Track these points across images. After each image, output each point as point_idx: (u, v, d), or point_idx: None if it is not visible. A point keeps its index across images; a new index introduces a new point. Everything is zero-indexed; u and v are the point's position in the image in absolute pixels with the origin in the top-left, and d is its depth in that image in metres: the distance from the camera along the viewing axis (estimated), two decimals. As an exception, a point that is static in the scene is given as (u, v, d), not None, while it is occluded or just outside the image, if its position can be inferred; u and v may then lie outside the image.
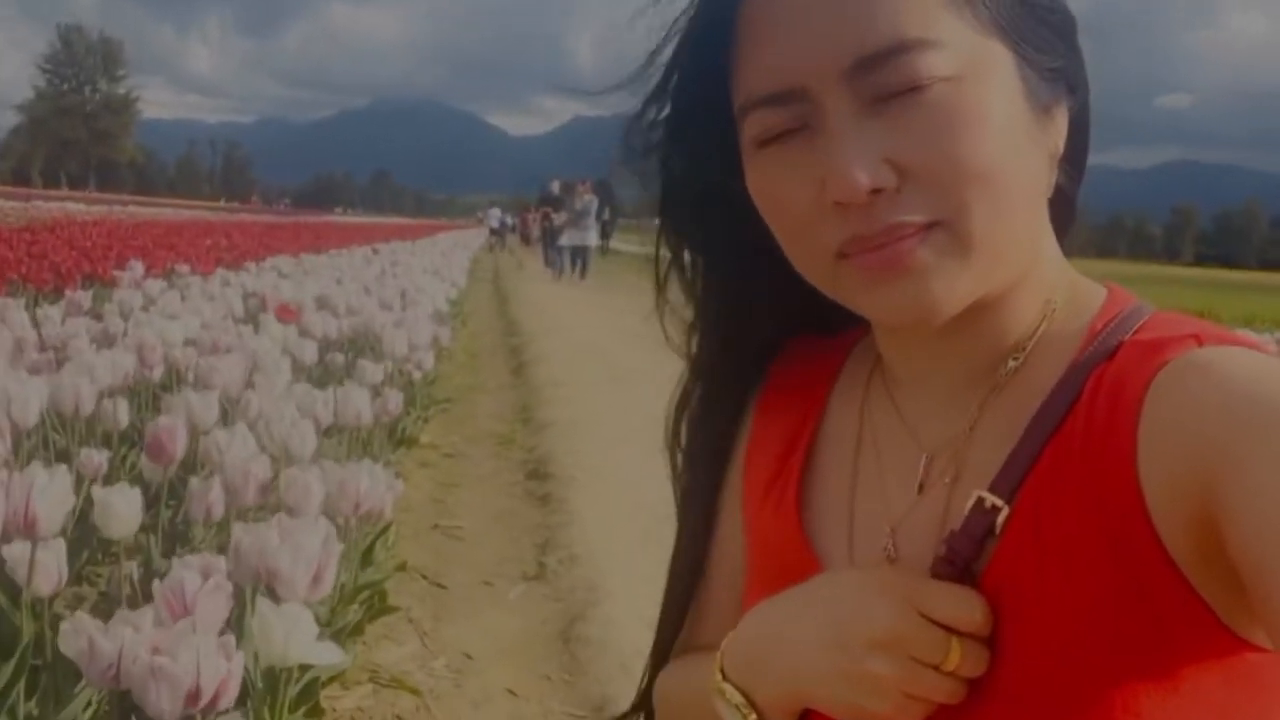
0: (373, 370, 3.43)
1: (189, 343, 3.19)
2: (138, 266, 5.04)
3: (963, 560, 0.52)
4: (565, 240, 17.02)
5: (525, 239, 31.82)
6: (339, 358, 3.95)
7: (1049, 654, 0.50)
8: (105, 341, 3.56)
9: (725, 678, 0.58)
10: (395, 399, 3.20)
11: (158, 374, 2.81)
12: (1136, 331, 0.53)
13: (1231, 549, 0.43)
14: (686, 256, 0.66)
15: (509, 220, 37.31)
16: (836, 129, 0.50)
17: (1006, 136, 0.50)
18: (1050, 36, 0.53)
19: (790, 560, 0.61)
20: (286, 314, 3.42)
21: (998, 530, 0.52)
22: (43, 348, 3.27)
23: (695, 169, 0.60)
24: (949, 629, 0.50)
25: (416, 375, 4.17)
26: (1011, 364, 0.56)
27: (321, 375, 3.62)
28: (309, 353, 3.40)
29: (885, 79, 0.49)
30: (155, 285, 4.90)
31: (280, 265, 7.91)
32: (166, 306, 4.02)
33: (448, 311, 6.90)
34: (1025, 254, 0.54)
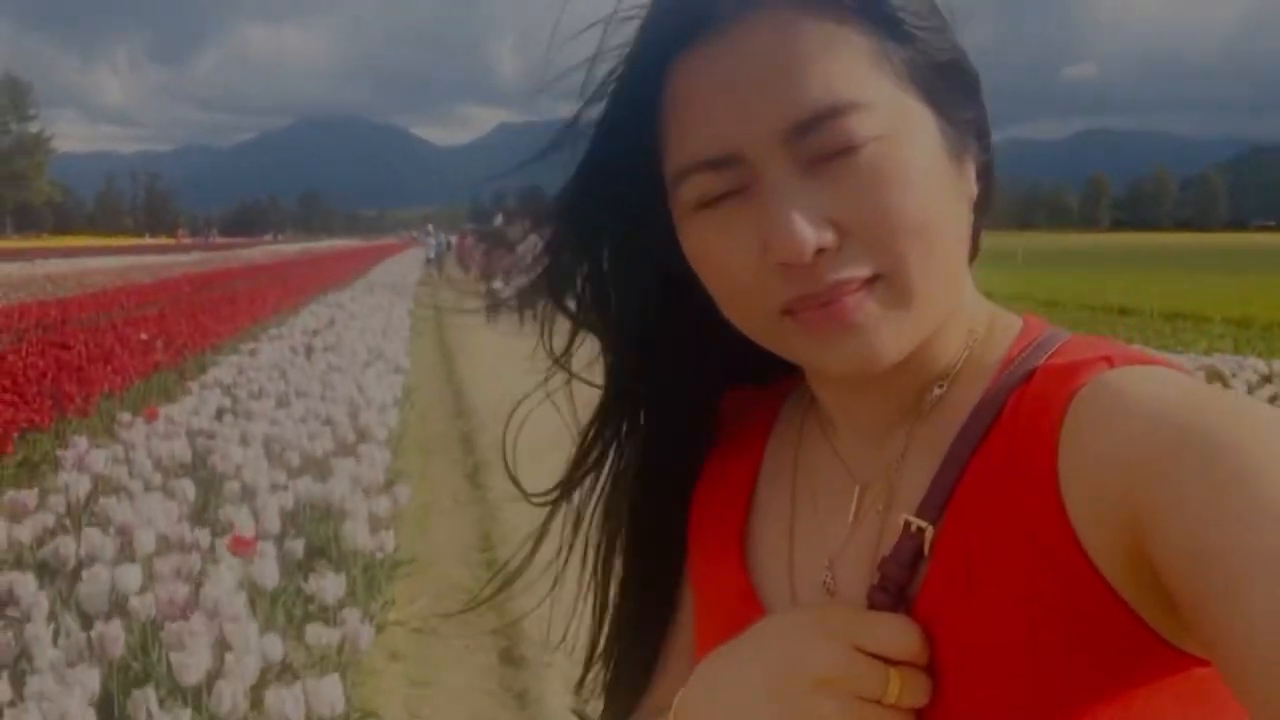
0: (333, 584, 3.36)
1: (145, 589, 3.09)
2: (81, 443, 4.85)
3: (896, 586, 0.53)
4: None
5: (464, 265, 30.92)
6: (297, 549, 3.85)
7: (990, 678, 0.50)
8: (57, 584, 3.43)
9: None
10: (366, 634, 3.13)
11: (118, 649, 2.70)
12: (1051, 356, 0.54)
13: (1159, 567, 0.44)
14: (612, 329, 0.65)
15: (447, 240, 36.33)
16: (776, 192, 0.51)
17: (934, 189, 0.53)
18: (959, 91, 0.56)
19: (735, 607, 0.62)
20: (243, 546, 3.31)
21: (926, 552, 0.53)
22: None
23: (623, 235, 0.61)
24: (887, 660, 0.51)
25: (380, 555, 4.08)
26: (936, 392, 0.58)
27: (278, 592, 3.52)
28: (270, 575, 3.31)
29: (820, 141, 0.51)
30: (99, 456, 4.73)
31: (221, 376, 7.70)
32: (111, 511, 3.87)
33: (397, 430, 6.77)
34: (955, 296, 0.57)
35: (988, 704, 0.50)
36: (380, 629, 3.96)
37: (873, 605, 0.54)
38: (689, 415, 0.69)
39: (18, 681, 2.58)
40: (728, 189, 0.53)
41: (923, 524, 0.53)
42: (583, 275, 0.64)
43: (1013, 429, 0.52)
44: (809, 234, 0.50)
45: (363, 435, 5.79)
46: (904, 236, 0.51)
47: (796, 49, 0.51)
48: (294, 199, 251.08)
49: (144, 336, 10.14)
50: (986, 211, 0.60)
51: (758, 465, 0.67)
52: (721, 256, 0.54)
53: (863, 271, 0.51)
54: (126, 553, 3.54)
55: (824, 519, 0.61)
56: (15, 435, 5.68)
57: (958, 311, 0.58)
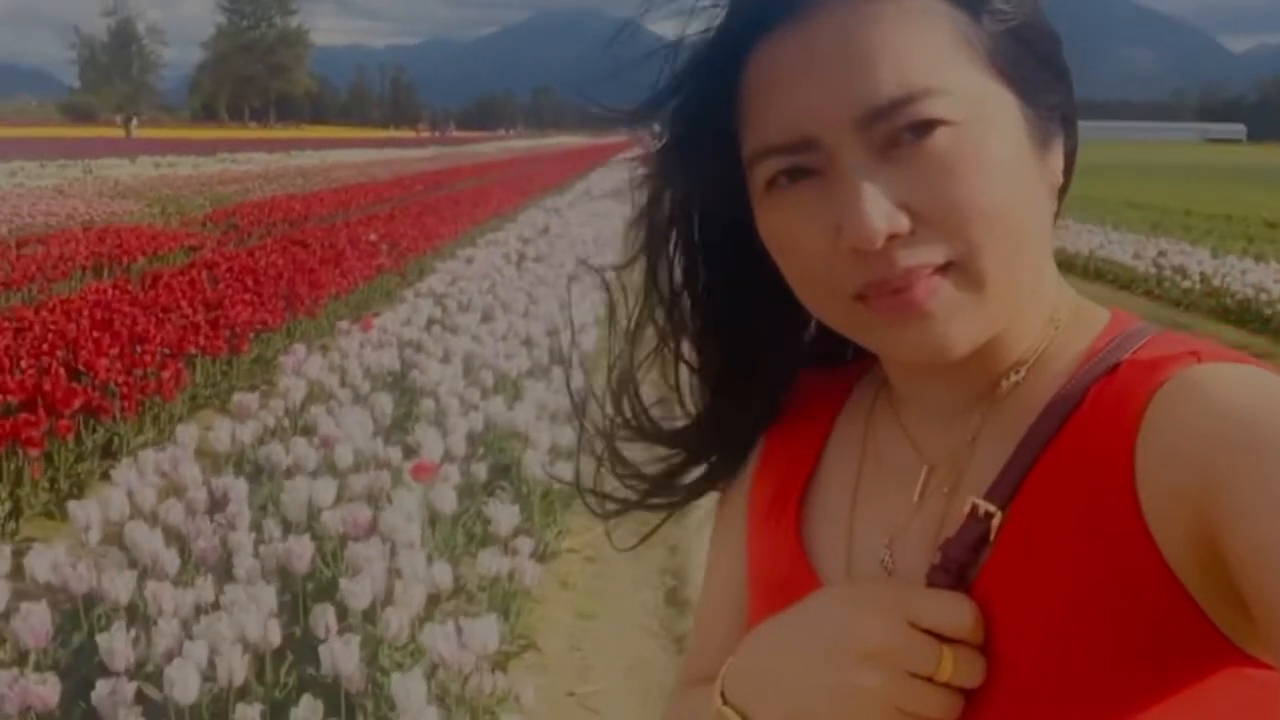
0: (508, 514, 3.53)
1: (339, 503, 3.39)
2: (299, 350, 5.32)
3: (957, 567, 0.54)
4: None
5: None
6: (481, 472, 4.08)
7: (1046, 664, 0.50)
8: (269, 488, 3.81)
9: (726, 702, 0.59)
10: (533, 570, 3.30)
11: (304, 565, 2.99)
12: (1137, 350, 0.54)
13: (1231, 567, 0.44)
14: (686, 296, 0.67)
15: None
16: (850, 177, 0.52)
17: (1012, 176, 0.53)
18: (1048, 75, 0.56)
19: (790, 579, 0.64)
20: (424, 472, 3.55)
21: (992, 537, 0.53)
22: (211, 503, 3.54)
23: (703, 211, 0.63)
24: (941, 638, 0.51)
25: (558, 486, 4.25)
26: (1014, 378, 0.58)
27: (458, 514, 3.75)
28: (448, 501, 3.53)
29: (895, 127, 0.51)
30: (315, 363, 5.18)
31: (435, 285, 8.15)
32: (319, 421, 4.24)
33: (594, 351, 6.93)
34: (1032, 285, 0.57)
35: (1041, 690, 0.50)
36: (553, 556, 4.17)
37: (931, 585, 0.54)
38: (757, 395, 0.70)
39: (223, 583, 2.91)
40: (802, 172, 0.54)
41: (991, 508, 0.53)
42: (674, 245, 0.65)
43: (1092, 420, 0.52)
44: (881, 220, 0.50)
45: (557, 357, 5.99)
46: (978, 224, 0.51)
47: (875, 33, 0.51)
48: (527, 94, 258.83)
49: (372, 238, 10.89)
50: (1065, 191, 0.60)
51: (823, 443, 0.68)
52: (795, 239, 0.55)
53: (936, 258, 0.52)
54: (327, 464, 3.89)
55: (887, 498, 0.62)
56: (250, 335, 6.29)
57: (1038, 299, 0.58)
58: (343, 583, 2.77)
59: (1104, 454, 0.50)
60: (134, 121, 66.31)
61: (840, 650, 0.52)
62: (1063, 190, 0.59)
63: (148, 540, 3.08)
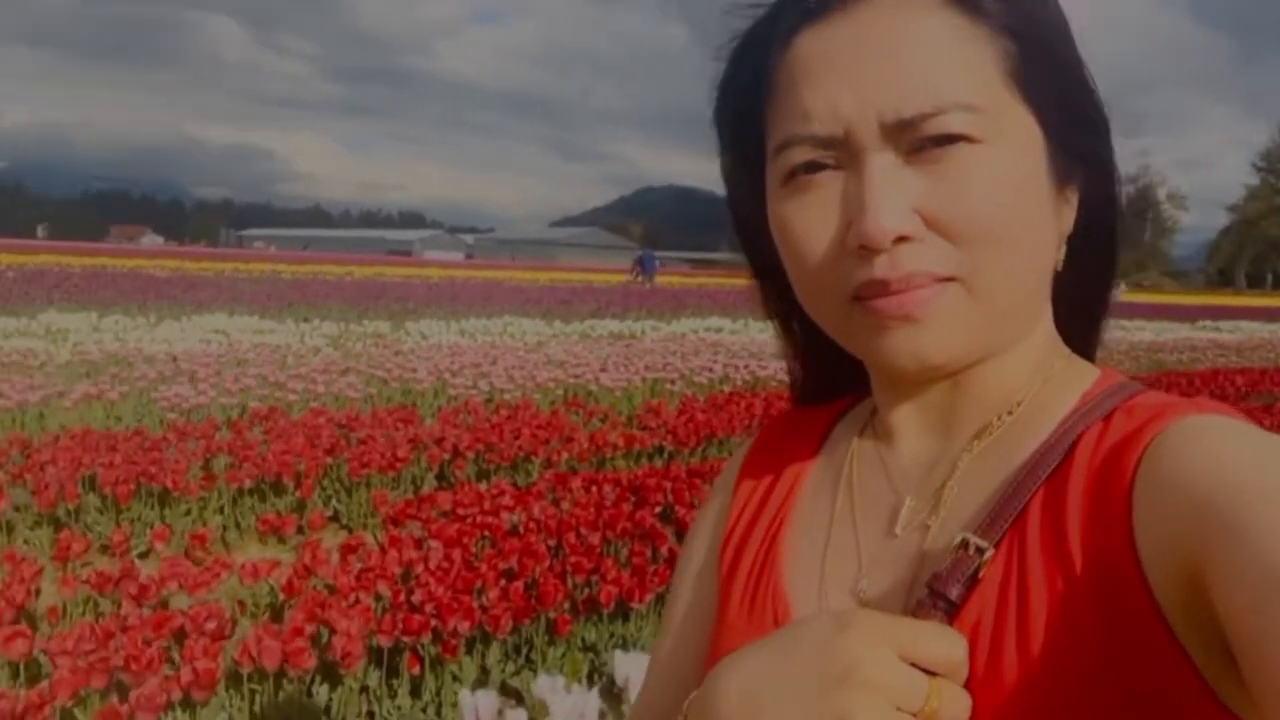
0: None
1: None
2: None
3: (945, 603, 0.58)
4: None
5: None
6: None
7: (1028, 705, 0.54)
8: None
9: None
10: None
11: None
12: (1129, 400, 0.61)
13: (1220, 615, 0.48)
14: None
15: None
16: (871, 176, 0.59)
17: (1027, 205, 0.60)
18: (1082, 123, 0.63)
19: (763, 610, 0.70)
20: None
21: (981, 574, 0.58)
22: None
23: (738, 198, 0.72)
24: (927, 671, 0.53)
25: None
26: (1005, 419, 0.65)
27: None
28: None
29: (923, 135, 0.58)
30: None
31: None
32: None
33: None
34: (1027, 319, 0.64)
35: None
36: None
37: (916, 618, 0.58)
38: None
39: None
40: (822, 167, 0.61)
41: (983, 544, 0.58)
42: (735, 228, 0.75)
43: (1088, 464, 0.57)
44: (892, 219, 0.57)
45: None
46: (986, 243, 0.58)
47: (917, 40, 0.59)
48: None
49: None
50: (1111, 261, 0.69)
51: (803, 476, 0.75)
52: (805, 231, 0.62)
53: (939, 268, 0.58)
54: None
55: (863, 531, 0.68)
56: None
57: (1029, 341, 0.65)
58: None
59: (1101, 500, 0.55)
60: (1120, 285, 68.94)
61: (823, 682, 0.52)
62: (1107, 249, 0.68)
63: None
